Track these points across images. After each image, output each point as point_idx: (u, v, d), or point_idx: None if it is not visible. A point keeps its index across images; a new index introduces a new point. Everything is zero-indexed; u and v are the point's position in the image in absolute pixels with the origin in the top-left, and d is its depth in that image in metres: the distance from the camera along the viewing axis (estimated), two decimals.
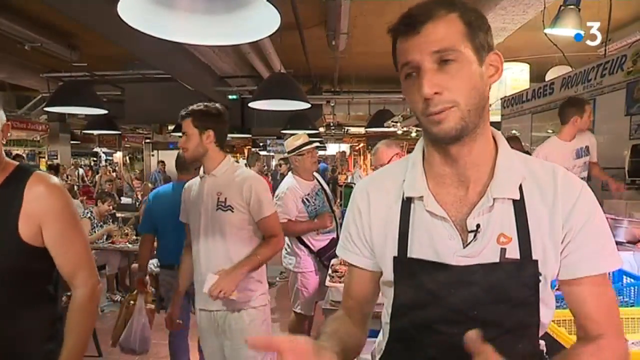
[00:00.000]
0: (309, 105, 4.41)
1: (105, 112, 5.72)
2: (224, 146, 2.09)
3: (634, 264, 1.69)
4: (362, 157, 18.77)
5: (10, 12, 4.78)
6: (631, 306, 1.49)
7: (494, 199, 0.81)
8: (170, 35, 1.76)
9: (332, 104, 9.13)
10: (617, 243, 1.71)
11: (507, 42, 5.24)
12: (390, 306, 0.90)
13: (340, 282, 2.20)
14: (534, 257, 0.80)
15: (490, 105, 4.30)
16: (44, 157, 10.73)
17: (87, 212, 4.83)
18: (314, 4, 4.73)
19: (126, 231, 5.01)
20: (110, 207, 5.07)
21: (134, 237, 4.89)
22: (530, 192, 0.82)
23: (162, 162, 10.70)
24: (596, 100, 3.93)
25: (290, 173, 3.18)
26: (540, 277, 0.81)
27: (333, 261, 2.69)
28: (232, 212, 1.95)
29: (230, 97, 8.20)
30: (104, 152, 17.24)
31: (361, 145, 18.54)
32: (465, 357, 0.71)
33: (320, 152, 20.98)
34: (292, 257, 3.11)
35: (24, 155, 11.41)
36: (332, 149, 19.00)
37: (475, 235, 0.81)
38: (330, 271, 2.51)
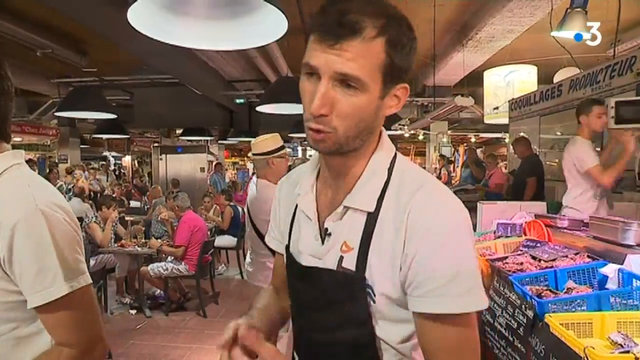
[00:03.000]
0: None
1: (114, 116, 5.79)
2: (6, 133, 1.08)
3: None
4: None
5: (21, 19, 4.87)
6: None
7: (344, 207, 0.79)
8: (178, 41, 1.78)
9: None
10: (627, 246, 1.70)
11: (515, 44, 5.24)
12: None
13: None
14: (366, 274, 0.75)
15: (498, 108, 4.27)
16: (55, 161, 10.86)
17: (93, 217, 4.89)
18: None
19: (135, 235, 5.05)
20: (116, 212, 5.10)
21: (143, 240, 4.93)
22: (387, 206, 0.77)
23: (220, 163, 11.08)
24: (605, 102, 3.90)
25: (256, 178, 2.77)
26: (375, 298, 0.75)
27: None
28: None
29: (237, 101, 8.25)
30: (113, 156, 17.41)
31: None
32: (313, 346, 0.84)
33: None
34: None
35: (35, 159, 11.59)
36: None
37: (324, 239, 0.82)
38: None
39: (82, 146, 11.39)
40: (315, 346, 0.87)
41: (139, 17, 1.64)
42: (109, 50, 5.65)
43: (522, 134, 5.48)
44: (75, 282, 0.94)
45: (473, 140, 12.42)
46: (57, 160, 10.51)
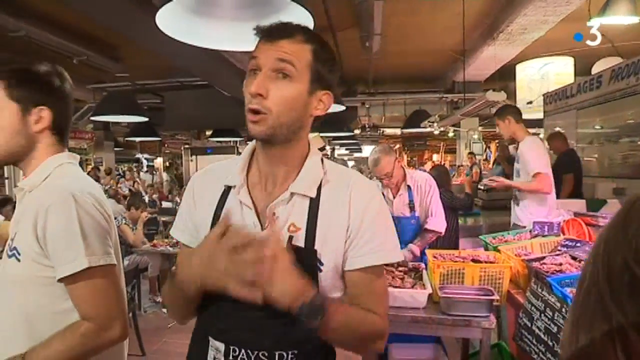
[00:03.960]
0: (343, 108, 4.40)
1: (146, 119, 5.94)
2: (66, 138, 1.21)
3: None
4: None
5: (60, 28, 5.06)
6: None
7: (291, 193, 0.93)
8: (205, 43, 1.80)
9: (367, 106, 9.07)
10: None
11: (549, 35, 5.03)
12: None
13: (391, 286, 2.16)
14: (316, 247, 0.91)
15: (532, 102, 4.16)
16: (91, 164, 11.25)
17: (122, 220, 5.02)
18: (347, 6, 4.72)
19: (167, 235, 5.16)
20: (145, 214, 5.22)
21: (175, 240, 5.02)
22: (327, 193, 0.95)
23: None
24: None
25: None
26: (322, 267, 0.92)
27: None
28: (18, 259, 1.07)
29: None
30: (145, 158, 17.90)
31: (397, 146, 18.34)
32: (248, 330, 0.89)
33: (356, 154, 20.95)
34: None
35: None
36: (368, 151, 18.92)
37: (263, 225, 0.93)
38: None
39: (116, 149, 11.78)
40: (249, 324, 0.91)
41: (167, 21, 1.66)
42: (141, 56, 5.81)
43: (557, 128, 5.27)
44: (96, 259, 1.06)
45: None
46: (93, 164, 10.89)
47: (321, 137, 2.68)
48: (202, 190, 1.03)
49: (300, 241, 0.91)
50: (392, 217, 2.98)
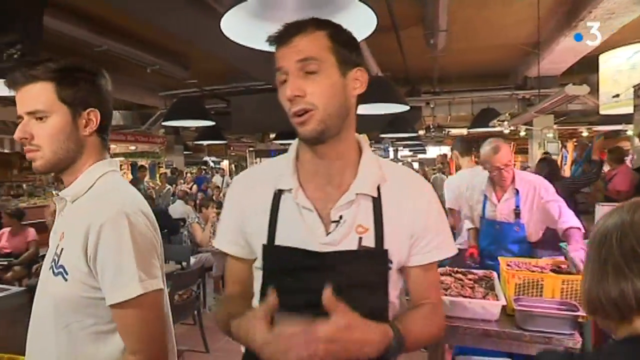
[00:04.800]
0: (407, 108, 4.27)
1: (213, 123, 6.15)
2: (107, 142, 1.16)
3: None
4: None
5: (135, 40, 5.41)
6: None
7: (356, 194, 0.93)
8: (268, 46, 1.79)
9: (432, 106, 8.78)
10: None
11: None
12: (259, 291, 0.98)
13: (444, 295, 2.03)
14: (385, 247, 0.92)
15: (619, 95, 3.71)
16: (162, 167, 11.96)
17: (195, 218, 5.23)
18: (410, 3, 4.58)
19: None
20: (214, 212, 5.41)
21: None
22: (387, 192, 0.96)
23: None
24: None
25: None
26: (391, 265, 0.94)
27: None
28: (65, 278, 1.00)
29: None
30: (212, 161, 18.70)
31: None
32: None
33: (420, 156, 20.42)
34: None
35: (147, 165, 12.89)
36: (432, 152, 18.36)
37: (337, 226, 0.92)
38: None
39: (185, 152, 12.40)
40: None
41: (231, 26, 1.68)
42: (208, 62, 6.05)
43: None
44: (149, 284, 0.98)
45: (585, 134, 11.13)
46: (164, 167, 11.55)
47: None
48: (247, 198, 1.00)
49: (369, 242, 0.92)
50: (495, 221, 2.74)
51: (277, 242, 0.93)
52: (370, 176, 0.96)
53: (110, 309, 0.99)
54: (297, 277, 0.92)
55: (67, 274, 0.99)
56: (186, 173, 10.39)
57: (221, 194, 9.53)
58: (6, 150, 6.39)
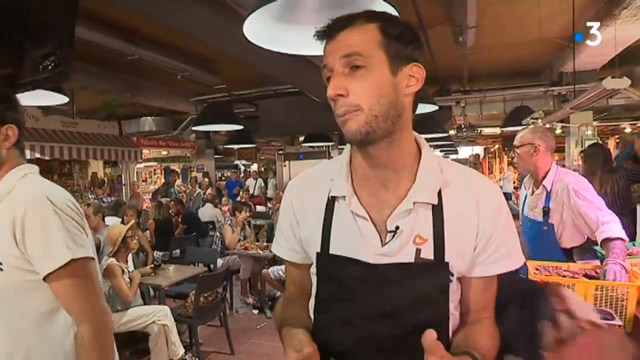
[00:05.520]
0: (436, 108, 4.19)
1: (242, 127, 6.23)
2: (23, 150, 1.29)
3: None
4: (497, 159, 17.32)
5: (166, 48, 5.55)
6: None
7: (413, 203, 0.86)
8: (292, 49, 1.79)
9: (463, 105, 8.59)
10: None
11: None
12: (314, 298, 0.96)
13: None
14: (446, 259, 0.86)
15: None
16: (194, 171, 12.20)
17: (228, 220, 5.29)
18: (437, 1, 4.49)
19: (258, 238, 5.34)
20: (248, 214, 5.47)
21: (265, 244, 5.19)
22: (449, 198, 0.88)
23: None
24: None
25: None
26: (452, 278, 0.87)
27: None
28: (1, 268, 1.08)
29: None
30: (242, 164, 18.96)
31: (496, 146, 17.15)
32: (377, 349, 0.86)
33: (452, 156, 20.01)
34: None
35: (178, 170, 13.19)
36: (464, 152, 17.93)
37: (393, 236, 0.86)
38: None
39: (215, 156, 12.60)
40: (375, 341, 0.87)
41: (254, 30, 1.68)
42: (236, 68, 6.12)
43: None
44: (77, 251, 1.09)
45: (628, 130, 10.59)
46: (195, 171, 11.78)
47: None
48: (302, 203, 0.98)
49: (428, 254, 0.86)
50: (527, 217, 2.53)
51: (331, 251, 0.90)
52: (429, 182, 0.88)
53: (48, 287, 1.09)
54: (349, 287, 0.88)
55: (1, 263, 1.08)
56: (204, 176, 10.54)
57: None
58: (46, 158, 6.79)
